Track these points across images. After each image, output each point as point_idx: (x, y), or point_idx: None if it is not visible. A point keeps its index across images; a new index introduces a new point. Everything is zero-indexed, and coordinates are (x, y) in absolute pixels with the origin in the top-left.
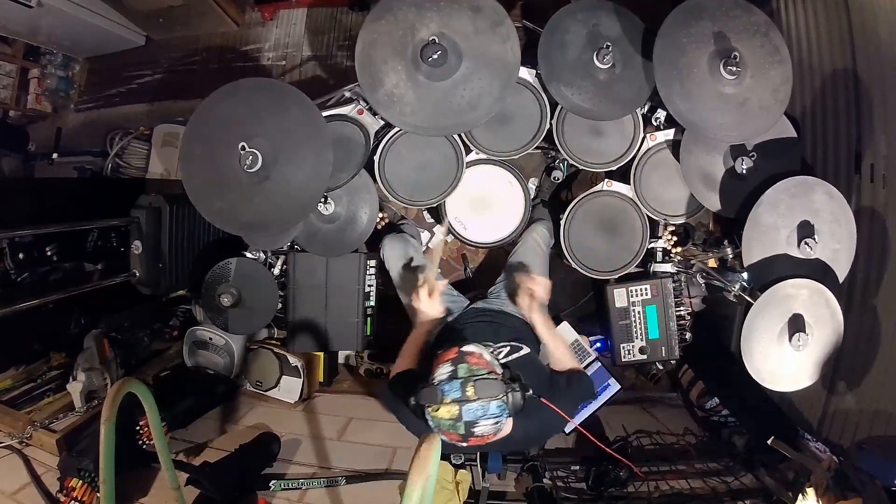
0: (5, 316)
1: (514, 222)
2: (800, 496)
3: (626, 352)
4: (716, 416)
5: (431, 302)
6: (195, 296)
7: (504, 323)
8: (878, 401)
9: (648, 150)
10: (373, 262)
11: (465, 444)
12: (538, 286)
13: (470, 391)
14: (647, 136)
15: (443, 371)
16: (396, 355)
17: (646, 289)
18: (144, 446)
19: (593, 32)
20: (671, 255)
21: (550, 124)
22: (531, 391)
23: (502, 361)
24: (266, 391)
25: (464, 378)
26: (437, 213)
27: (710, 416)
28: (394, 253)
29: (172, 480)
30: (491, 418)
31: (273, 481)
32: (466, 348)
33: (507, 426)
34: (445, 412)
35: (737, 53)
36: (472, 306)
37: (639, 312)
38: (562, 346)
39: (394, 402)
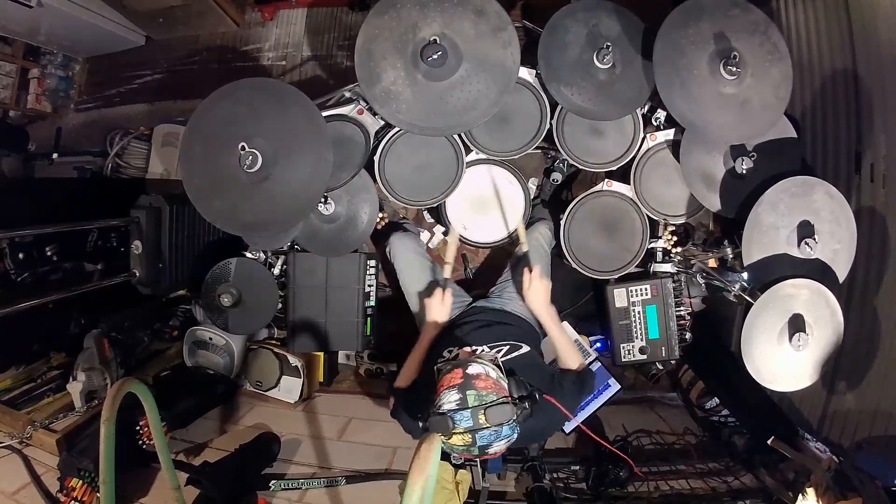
0: (5, 316)
1: (515, 222)
2: (800, 496)
3: (626, 352)
4: (716, 416)
5: (444, 306)
6: (195, 296)
7: (504, 322)
8: (878, 401)
9: (648, 150)
10: (373, 262)
11: (477, 459)
12: (535, 272)
13: (482, 419)
14: (647, 136)
15: (450, 399)
16: (397, 354)
17: (646, 289)
18: (144, 446)
19: (593, 32)
20: (671, 255)
21: (550, 124)
22: (537, 395)
23: (502, 360)
24: (266, 391)
25: (474, 407)
26: (438, 213)
27: (710, 416)
28: (406, 253)
29: (172, 480)
30: (503, 439)
31: (273, 481)
32: (471, 370)
33: (516, 436)
34: (458, 440)
35: (736, 53)
36: (472, 304)
37: (639, 312)
38: (567, 342)
39: (408, 422)
